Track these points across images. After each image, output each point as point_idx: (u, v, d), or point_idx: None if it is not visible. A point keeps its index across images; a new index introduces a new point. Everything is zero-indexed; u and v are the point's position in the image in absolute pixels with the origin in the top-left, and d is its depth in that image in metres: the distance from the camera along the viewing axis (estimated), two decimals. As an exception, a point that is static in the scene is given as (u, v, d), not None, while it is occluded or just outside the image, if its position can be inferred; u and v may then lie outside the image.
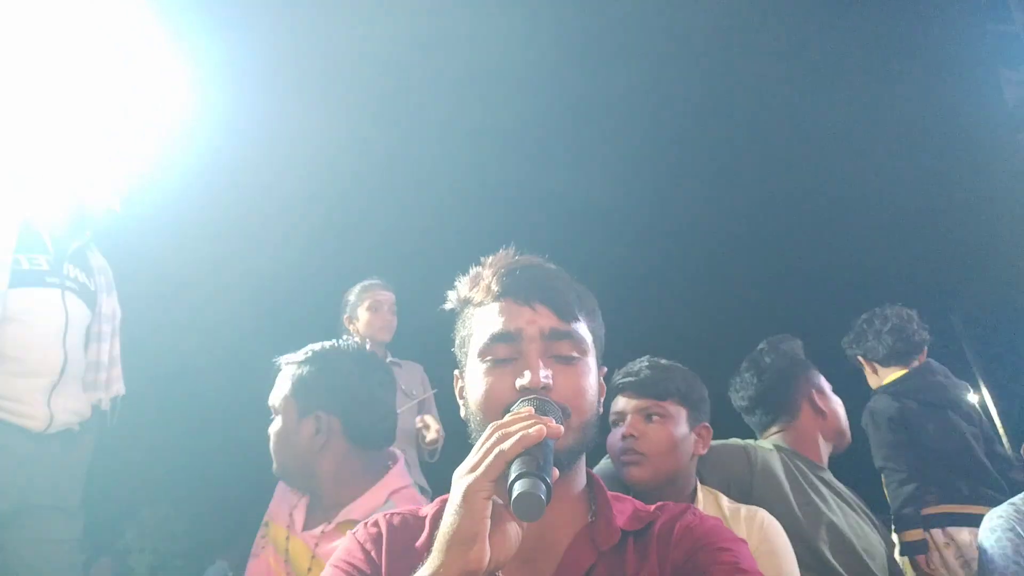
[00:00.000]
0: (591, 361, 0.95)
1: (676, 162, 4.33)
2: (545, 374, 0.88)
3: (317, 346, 1.56)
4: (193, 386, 4.49)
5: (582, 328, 0.95)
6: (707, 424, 1.67)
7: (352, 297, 2.99)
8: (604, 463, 1.76)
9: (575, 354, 0.92)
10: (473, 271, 1.00)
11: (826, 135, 4.08)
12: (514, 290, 0.94)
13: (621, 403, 1.65)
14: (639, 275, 4.80)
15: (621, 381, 1.65)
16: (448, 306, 1.03)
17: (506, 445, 0.74)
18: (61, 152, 2.11)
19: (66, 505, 1.95)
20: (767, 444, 1.84)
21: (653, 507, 1.00)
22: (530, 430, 0.74)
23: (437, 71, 3.59)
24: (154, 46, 2.72)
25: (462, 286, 1.01)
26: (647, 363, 1.67)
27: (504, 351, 0.91)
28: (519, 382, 0.88)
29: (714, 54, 3.64)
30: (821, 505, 1.66)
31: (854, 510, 1.69)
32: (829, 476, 1.79)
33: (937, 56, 3.60)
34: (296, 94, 3.57)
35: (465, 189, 4.19)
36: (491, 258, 1.00)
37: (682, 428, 1.61)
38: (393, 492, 1.49)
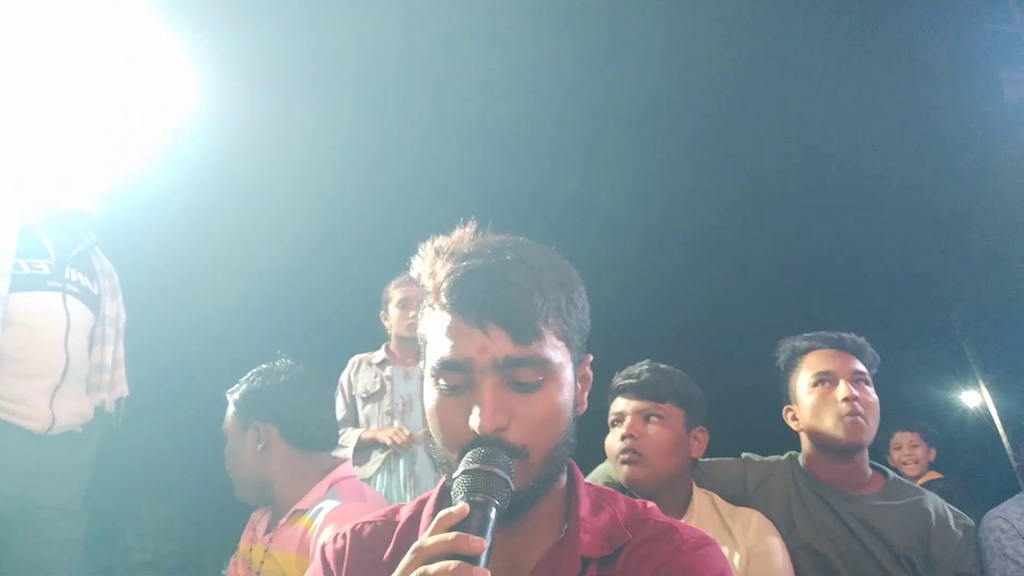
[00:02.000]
0: (562, 375, 0.84)
1: (678, 161, 4.33)
2: (497, 417, 0.78)
3: (251, 372, 1.73)
4: (194, 387, 4.49)
5: (546, 345, 0.82)
6: (704, 428, 1.69)
7: (387, 293, 2.95)
8: (604, 466, 1.77)
9: (538, 378, 0.81)
10: (431, 252, 0.88)
11: (826, 135, 4.08)
12: (463, 306, 0.81)
13: (620, 404, 1.67)
14: (641, 275, 4.81)
15: (621, 383, 1.68)
16: (412, 274, 0.91)
17: None
18: (38, 151, 2.12)
19: (68, 506, 1.96)
20: (782, 459, 1.81)
21: (638, 515, 0.92)
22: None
23: (443, 70, 3.59)
24: (150, 46, 2.71)
25: (422, 267, 0.88)
26: (647, 366, 1.70)
27: (455, 379, 0.81)
28: (471, 423, 0.78)
29: (714, 54, 3.64)
30: (805, 532, 1.62)
31: (858, 539, 1.59)
32: (828, 493, 1.66)
33: (937, 56, 3.60)
34: (299, 93, 3.57)
35: (470, 187, 4.19)
36: (448, 241, 0.88)
37: (680, 430, 1.64)
38: (335, 481, 1.63)
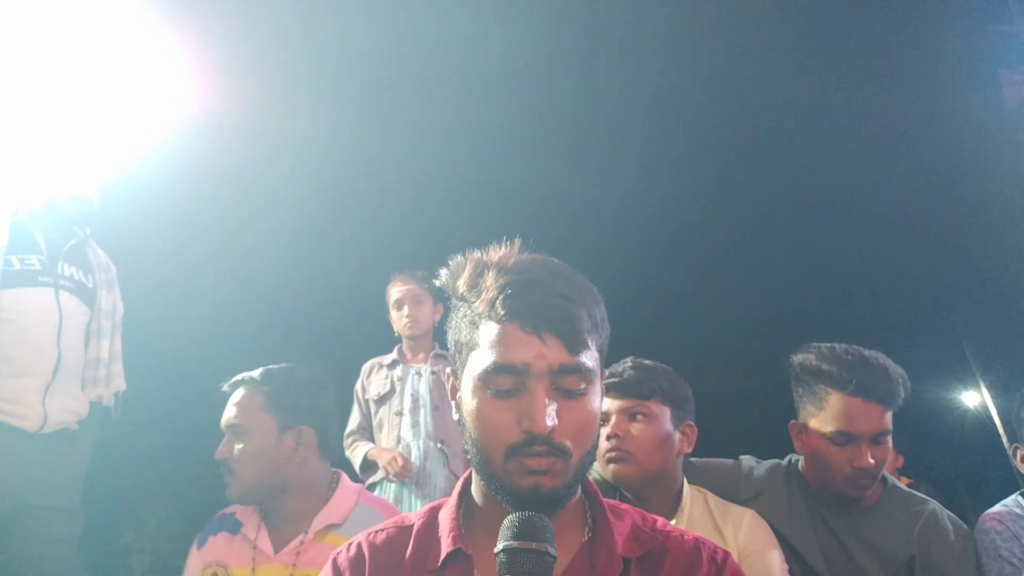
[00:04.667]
0: (597, 385, 0.90)
1: (675, 162, 4.32)
2: (551, 417, 0.83)
3: (277, 367, 1.64)
4: (194, 386, 4.49)
5: (590, 356, 0.88)
6: (691, 423, 1.67)
7: (386, 294, 2.90)
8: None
9: (581, 386, 0.86)
10: (472, 265, 0.92)
11: (826, 135, 4.07)
12: (521, 315, 0.86)
13: (605, 404, 1.62)
14: (637, 275, 4.80)
15: (605, 382, 1.64)
16: (438, 284, 0.95)
17: None
18: (35, 143, 2.11)
19: (65, 504, 1.95)
20: (781, 464, 1.78)
21: (652, 526, 0.96)
22: None
23: (438, 69, 3.59)
24: (146, 38, 2.69)
25: (461, 280, 0.92)
26: (631, 363, 1.67)
27: (507, 383, 0.85)
28: (524, 424, 0.83)
29: (714, 54, 3.64)
30: (800, 549, 1.61)
31: (853, 558, 1.58)
32: (825, 507, 1.64)
33: (937, 56, 3.60)
34: (298, 91, 3.57)
35: (467, 185, 4.19)
36: (495, 256, 0.91)
37: (666, 427, 1.62)
38: (359, 493, 1.60)
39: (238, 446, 1.54)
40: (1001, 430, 5.97)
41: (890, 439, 1.56)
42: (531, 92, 3.76)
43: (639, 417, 1.61)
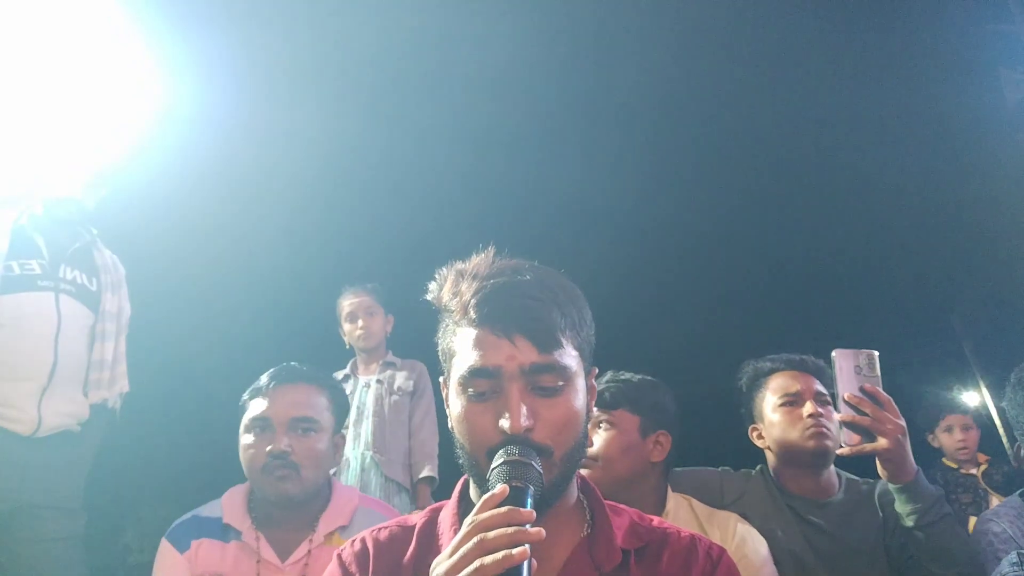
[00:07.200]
0: (577, 382, 0.92)
1: (674, 161, 4.32)
2: (526, 418, 0.85)
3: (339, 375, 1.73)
4: (195, 386, 4.50)
5: (566, 354, 0.90)
6: (666, 432, 1.74)
7: (337, 308, 2.99)
8: None
9: (558, 383, 0.89)
10: (453, 275, 0.96)
11: (824, 135, 4.08)
12: (491, 320, 0.89)
13: None
14: (635, 277, 4.80)
15: None
16: (428, 296, 0.99)
17: (488, 560, 0.71)
18: (29, 146, 2.11)
19: (65, 504, 1.96)
20: (753, 472, 1.88)
21: (649, 523, 0.99)
22: (513, 551, 0.70)
23: (434, 67, 3.59)
24: (132, 36, 2.68)
25: (444, 290, 0.96)
26: (606, 379, 1.77)
27: (483, 386, 0.88)
28: (501, 424, 0.85)
29: (714, 53, 3.64)
30: (787, 539, 1.67)
31: (827, 536, 1.67)
32: (798, 503, 1.74)
33: (937, 56, 3.60)
34: (296, 92, 3.57)
35: (465, 185, 4.19)
36: (470, 265, 0.95)
37: (633, 436, 1.69)
38: (356, 493, 1.63)
39: (307, 443, 1.48)
40: (1001, 430, 5.96)
41: (832, 410, 1.73)
42: (530, 93, 3.75)
43: (604, 424, 1.70)
